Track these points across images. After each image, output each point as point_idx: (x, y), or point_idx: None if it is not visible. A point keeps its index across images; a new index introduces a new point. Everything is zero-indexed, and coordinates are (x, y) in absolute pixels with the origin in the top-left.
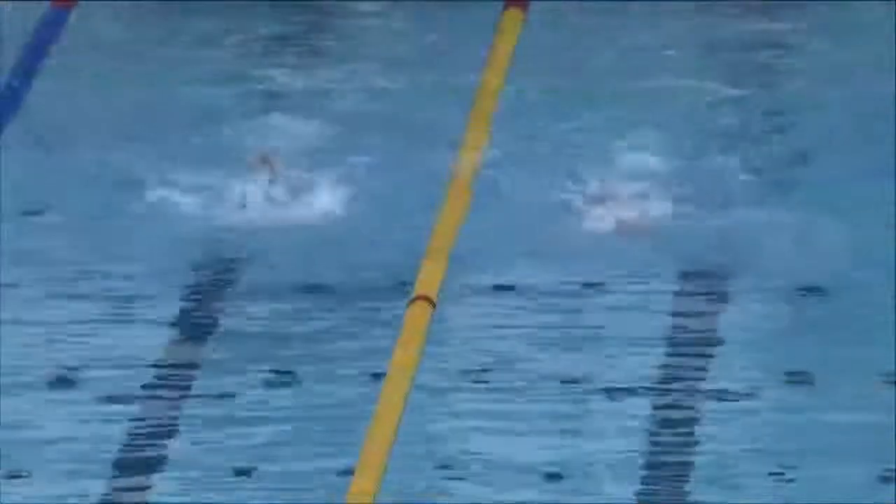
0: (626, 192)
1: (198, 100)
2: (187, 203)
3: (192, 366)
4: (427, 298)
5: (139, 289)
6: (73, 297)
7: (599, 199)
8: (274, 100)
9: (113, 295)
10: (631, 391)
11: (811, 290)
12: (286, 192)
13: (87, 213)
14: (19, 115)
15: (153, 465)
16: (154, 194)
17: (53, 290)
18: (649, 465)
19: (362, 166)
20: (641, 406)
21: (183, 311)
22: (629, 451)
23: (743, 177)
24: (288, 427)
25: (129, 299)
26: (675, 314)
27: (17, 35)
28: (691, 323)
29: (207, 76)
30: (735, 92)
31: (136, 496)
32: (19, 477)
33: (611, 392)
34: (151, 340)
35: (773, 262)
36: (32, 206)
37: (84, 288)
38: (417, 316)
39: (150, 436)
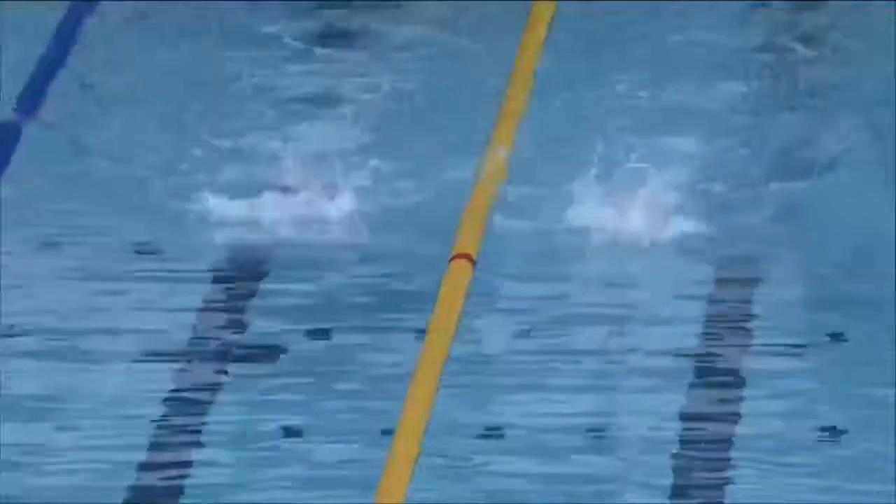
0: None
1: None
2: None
3: (232, 327)
4: (467, 257)
5: (175, 263)
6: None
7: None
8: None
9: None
10: (671, 356)
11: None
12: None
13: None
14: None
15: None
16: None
17: (91, 265)
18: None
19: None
20: (683, 370)
21: (218, 277)
22: (669, 417)
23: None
24: (326, 385)
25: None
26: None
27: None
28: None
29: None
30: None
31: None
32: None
33: (651, 359)
34: (190, 299)
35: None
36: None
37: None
38: (458, 275)
39: (189, 398)
